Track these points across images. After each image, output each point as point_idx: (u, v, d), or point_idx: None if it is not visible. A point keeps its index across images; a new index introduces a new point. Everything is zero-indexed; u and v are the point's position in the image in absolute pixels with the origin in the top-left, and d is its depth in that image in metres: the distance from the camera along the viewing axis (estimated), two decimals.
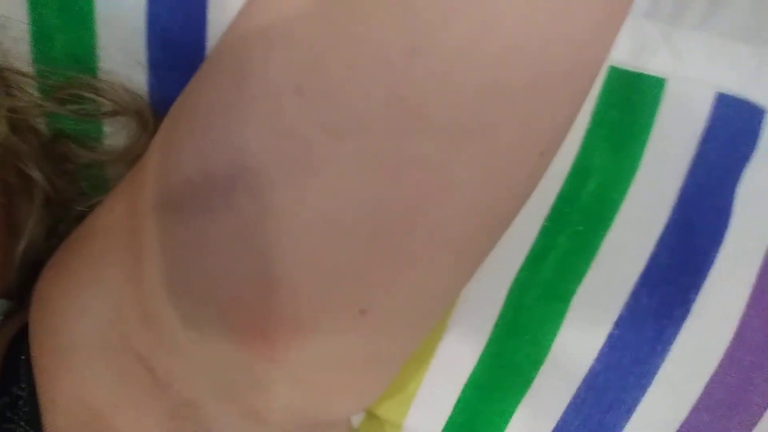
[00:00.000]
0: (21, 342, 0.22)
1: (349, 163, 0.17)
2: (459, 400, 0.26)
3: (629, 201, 0.24)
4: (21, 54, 0.24)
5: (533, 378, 0.26)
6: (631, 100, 0.24)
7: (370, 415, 0.28)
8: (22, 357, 0.22)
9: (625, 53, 0.24)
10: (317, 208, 0.17)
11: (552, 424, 0.26)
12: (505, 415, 0.26)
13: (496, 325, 0.25)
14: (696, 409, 0.25)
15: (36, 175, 0.24)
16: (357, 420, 0.28)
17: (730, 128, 0.24)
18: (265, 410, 0.20)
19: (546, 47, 0.17)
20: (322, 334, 0.19)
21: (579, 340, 0.25)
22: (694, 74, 0.24)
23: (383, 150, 0.17)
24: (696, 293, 0.24)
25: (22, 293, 0.25)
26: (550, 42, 0.17)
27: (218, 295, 0.18)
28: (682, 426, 0.25)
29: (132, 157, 0.25)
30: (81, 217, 0.24)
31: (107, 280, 0.21)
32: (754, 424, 0.25)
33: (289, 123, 0.17)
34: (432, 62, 0.16)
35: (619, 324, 0.25)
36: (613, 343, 0.25)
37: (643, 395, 0.25)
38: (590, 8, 0.17)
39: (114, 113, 0.24)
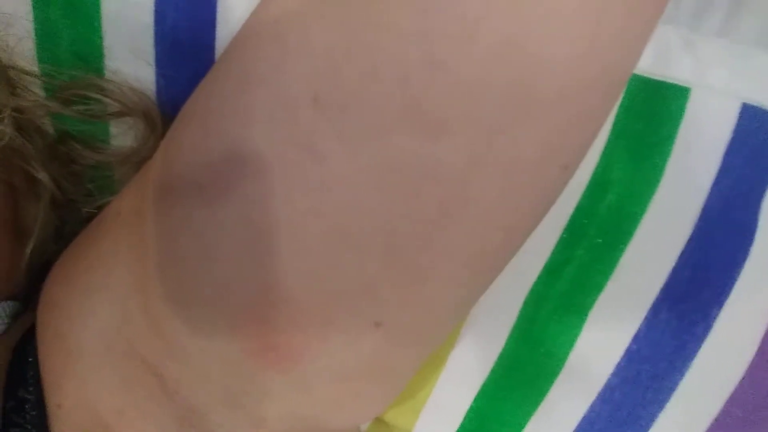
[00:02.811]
0: (28, 344, 0.22)
1: (364, 177, 0.17)
2: (470, 410, 0.26)
3: (650, 214, 0.24)
4: (25, 52, 0.23)
5: (547, 390, 0.25)
6: (653, 110, 0.23)
7: (379, 421, 0.27)
8: (29, 360, 0.22)
9: (646, 61, 0.23)
10: (329, 221, 0.17)
11: None
12: (517, 427, 0.26)
13: (511, 336, 0.25)
14: (714, 427, 0.25)
15: (42, 176, 0.24)
16: (365, 425, 0.28)
17: (755, 140, 0.23)
18: (273, 419, 0.20)
19: (573, 60, 0.16)
20: (333, 345, 0.18)
21: (595, 354, 0.25)
22: (719, 84, 0.23)
23: (400, 163, 0.17)
24: (718, 309, 0.24)
25: (29, 295, 0.25)
26: (578, 55, 0.16)
27: (225, 303, 0.18)
28: None
29: (139, 158, 0.24)
30: (88, 219, 0.24)
31: (114, 285, 0.21)
32: None
33: (303, 133, 0.17)
34: (455, 75, 0.16)
35: (637, 338, 0.24)
36: (630, 358, 0.24)
37: (660, 411, 0.25)
38: (618, 20, 0.16)
39: (120, 114, 0.24)
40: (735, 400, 0.24)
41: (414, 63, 0.16)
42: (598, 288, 0.24)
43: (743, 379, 0.24)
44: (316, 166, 0.17)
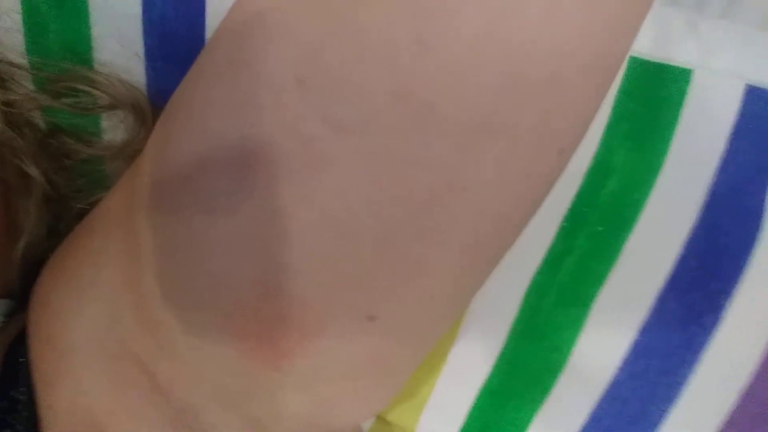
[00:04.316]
0: (21, 344, 0.22)
1: (353, 162, 0.16)
2: (473, 408, 0.26)
3: (653, 201, 0.23)
4: (14, 45, 0.23)
5: (551, 386, 0.25)
6: (654, 94, 0.23)
7: (381, 420, 0.27)
8: (22, 360, 0.21)
9: (648, 43, 0.23)
10: (320, 209, 0.17)
11: None
12: (522, 425, 0.25)
13: (512, 330, 0.25)
14: (728, 423, 0.24)
15: (33, 171, 0.24)
16: (367, 424, 0.27)
17: (761, 123, 0.23)
18: (269, 418, 0.20)
19: (567, 38, 0.15)
20: (328, 341, 0.18)
21: (600, 348, 0.24)
22: (723, 66, 0.23)
23: (389, 148, 0.16)
24: (727, 299, 0.23)
25: (24, 293, 0.25)
26: (572, 32, 0.15)
27: (219, 300, 0.18)
28: None
29: (131, 152, 0.24)
30: (82, 215, 0.23)
31: (104, 283, 0.20)
32: None
33: (290, 118, 0.16)
34: (443, 54, 0.15)
35: (644, 331, 0.24)
36: (637, 352, 0.24)
37: (670, 407, 0.24)
38: (613, 1, 0.16)
39: (111, 106, 0.24)
40: (749, 395, 0.24)
41: (401, 43, 0.15)
42: (601, 278, 0.24)
43: (757, 372, 0.23)
44: (303, 151, 0.16)
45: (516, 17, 0.15)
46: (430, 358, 0.25)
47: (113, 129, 0.25)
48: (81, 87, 0.23)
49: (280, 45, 0.17)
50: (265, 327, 0.18)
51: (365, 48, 0.16)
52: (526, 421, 0.25)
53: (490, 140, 0.16)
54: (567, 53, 0.16)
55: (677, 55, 0.23)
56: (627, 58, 0.23)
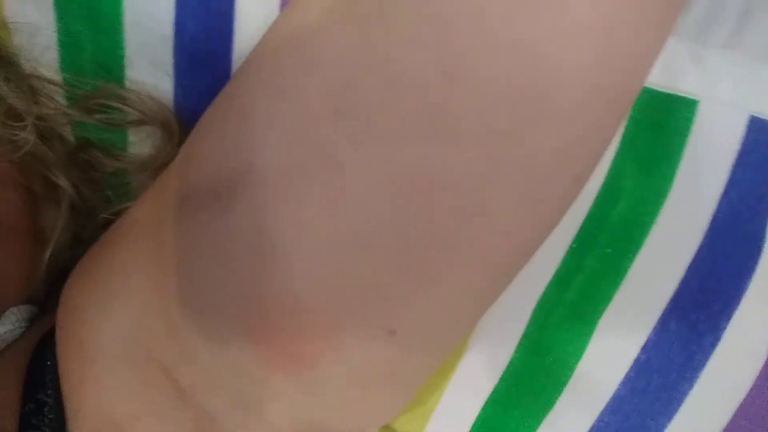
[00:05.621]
0: (45, 347, 0.22)
1: (378, 181, 0.17)
2: (478, 418, 0.26)
3: (659, 224, 0.24)
4: (49, 62, 0.24)
5: (555, 399, 0.25)
6: (662, 122, 0.23)
7: (387, 428, 0.27)
8: (48, 363, 0.22)
9: (655, 73, 0.23)
10: (344, 225, 0.17)
11: None
12: None
13: (520, 344, 0.25)
14: None
15: (62, 182, 0.24)
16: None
17: (763, 152, 0.23)
18: (284, 425, 0.20)
19: (588, 71, 0.16)
20: (346, 352, 0.18)
21: (604, 364, 0.25)
22: (727, 96, 0.23)
23: (416, 171, 0.17)
24: (727, 321, 0.24)
25: (46, 299, 0.25)
26: (592, 66, 0.16)
27: (239, 308, 0.18)
28: None
29: (157, 165, 0.25)
30: (106, 225, 0.24)
31: (132, 290, 0.21)
32: None
33: (322, 143, 0.17)
34: (471, 86, 0.16)
35: (646, 349, 0.24)
36: (639, 368, 0.24)
37: (669, 422, 0.24)
38: (631, 33, 0.16)
39: (140, 122, 0.24)
40: (744, 411, 0.24)
41: (433, 75, 0.16)
42: (607, 297, 0.24)
43: (752, 389, 0.24)
44: (333, 174, 0.17)
45: (543, 51, 0.16)
46: (439, 368, 0.25)
47: (140, 143, 0.25)
48: (112, 103, 0.24)
49: (316, 75, 0.17)
50: (284, 336, 0.18)
51: (398, 78, 0.16)
52: (530, 431, 0.26)
53: (511, 164, 0.17)
54: (587, 82, 0.16)
55: (683, 86, 0.23)
56: None
